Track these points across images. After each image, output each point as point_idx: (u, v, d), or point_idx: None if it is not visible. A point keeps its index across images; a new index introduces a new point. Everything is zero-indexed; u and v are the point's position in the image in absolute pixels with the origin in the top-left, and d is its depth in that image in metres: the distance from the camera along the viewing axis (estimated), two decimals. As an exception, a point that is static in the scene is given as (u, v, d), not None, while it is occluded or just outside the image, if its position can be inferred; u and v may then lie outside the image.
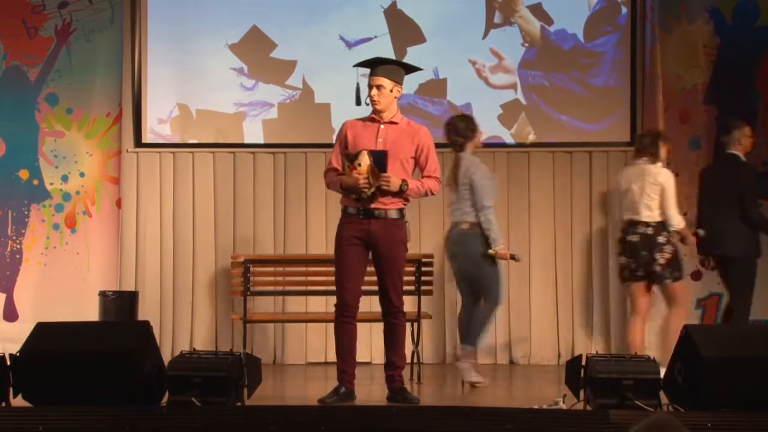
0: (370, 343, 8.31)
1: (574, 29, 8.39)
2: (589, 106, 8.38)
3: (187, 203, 8.32)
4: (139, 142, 8.38)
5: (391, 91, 5.67)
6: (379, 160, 5.57)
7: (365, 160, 5.56)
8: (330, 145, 8.23)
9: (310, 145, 8.42)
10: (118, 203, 8.35)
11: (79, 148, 8.37)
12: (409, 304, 7.38)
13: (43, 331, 5.15)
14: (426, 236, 8.34)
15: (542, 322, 8.32)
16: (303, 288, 7.44)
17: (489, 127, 8.29)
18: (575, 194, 8.36)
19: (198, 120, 8.39)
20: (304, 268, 7.48)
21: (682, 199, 8.16)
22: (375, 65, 5.74)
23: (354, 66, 5.85)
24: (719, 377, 4.85)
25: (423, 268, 7.16)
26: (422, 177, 5.78)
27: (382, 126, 5.71)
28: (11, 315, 8.27)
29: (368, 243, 5.73)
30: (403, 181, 5.60)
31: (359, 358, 8.26)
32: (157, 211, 8.33)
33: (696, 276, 8.18)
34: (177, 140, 8.40)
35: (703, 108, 8.24)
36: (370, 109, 5.77)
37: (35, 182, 8.34)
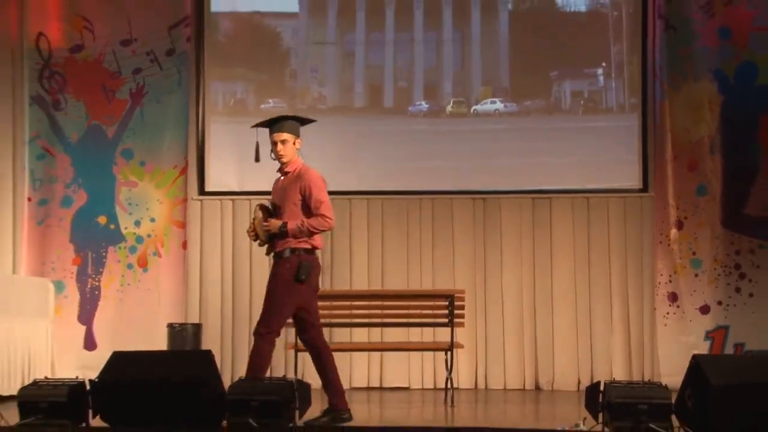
0: (408, 370, 8.31)
1: (591, 87, 8.47)
2: (605, 155, 8.37)
3: (245, 245, 8.37)
4: (202, 191, 8.49)
5: (294, 143, 5.71)
6: (271, 210, 5.68)
7: (257, 214, 5.67)
8: (360, 192, 8.33)
9: (353, 192, 8.47)
10: (184, 245, 8.42)
11: (150, 196, 8.48)
12: (442, 334, 7.39)
13: (118, 359, 5.18)
14: (459, 273, 8.34)
15: (565, 352, 8.26)
16: (347, 320, 7.44)
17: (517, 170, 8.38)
18: (593, 233, 8.33)
19: (255, 170, 8.43)
20: (348, 303, 7.48)
21: (690, 239, 8.15)
22: (277, 122, 5.74)
23: (253, 126, 5.83)
24: (726, 403, 4.79)
25: (456, 302, 7.13)
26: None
27: (281, 177, 5.74)
28: (91, 345, 8.35)
29: None
30: (283, 223, 5.54)
31: (397, 383, 8.30)
32: (218, 251, 8.40)
33: (704, 310, 8.10)
34: (236, 188, 8.48)
35: (710, 158, 8.19)
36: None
37: (112, 227, 8.44)
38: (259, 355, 5.50)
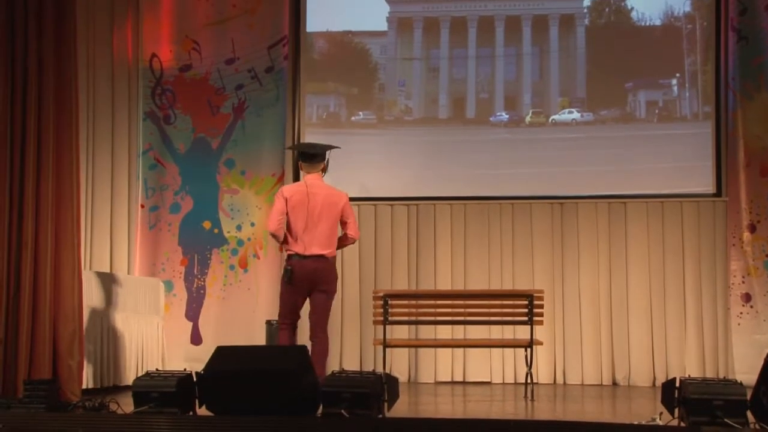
0: (489, 365, 8.22)
1: (666, 97, 8.28)
2: (679, 162, 8.16)
3: (336, 247, 8.40)
4: (298, 198, 8.54)
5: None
6: None
7: None
8: (444, 198, 8.28)
9: (437, 198, 8.44)
10: (281, 248, 8.47)
11: (250, 202, 8.57)
12: (522, 332, 7.29)
13: (222, 353, 5.25)
14: (538, 274, 8.23)
15: (640, 349, 8.07)
16: (433, 318, 7.41)
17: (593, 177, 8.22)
18: (667, 236, 8.13)
19: (346, 178, 8.49)
20: (433, 302, 7.46)
21: (763, 242, 7.88)
22: None
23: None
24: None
25: (535, 302, 7.03)
26: None
27: None
28: (197, 339, 8.48)
29: None
30: None
31: (479, 378, 8.23)
32: (311, 254, 8.44)
33: (780, 310, 7.82)
34: (329, 195, 8.50)
35: (782, 163, 7.92)
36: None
37: (216, 231, 8.56)
38: (281, 342, 6.18)
